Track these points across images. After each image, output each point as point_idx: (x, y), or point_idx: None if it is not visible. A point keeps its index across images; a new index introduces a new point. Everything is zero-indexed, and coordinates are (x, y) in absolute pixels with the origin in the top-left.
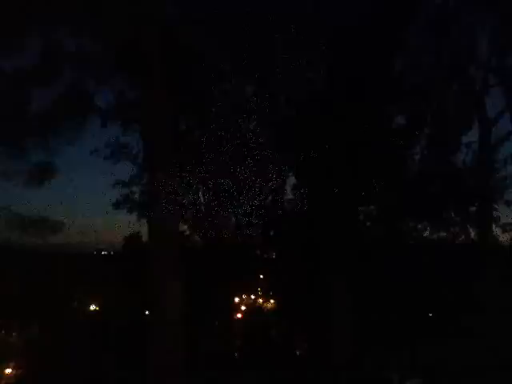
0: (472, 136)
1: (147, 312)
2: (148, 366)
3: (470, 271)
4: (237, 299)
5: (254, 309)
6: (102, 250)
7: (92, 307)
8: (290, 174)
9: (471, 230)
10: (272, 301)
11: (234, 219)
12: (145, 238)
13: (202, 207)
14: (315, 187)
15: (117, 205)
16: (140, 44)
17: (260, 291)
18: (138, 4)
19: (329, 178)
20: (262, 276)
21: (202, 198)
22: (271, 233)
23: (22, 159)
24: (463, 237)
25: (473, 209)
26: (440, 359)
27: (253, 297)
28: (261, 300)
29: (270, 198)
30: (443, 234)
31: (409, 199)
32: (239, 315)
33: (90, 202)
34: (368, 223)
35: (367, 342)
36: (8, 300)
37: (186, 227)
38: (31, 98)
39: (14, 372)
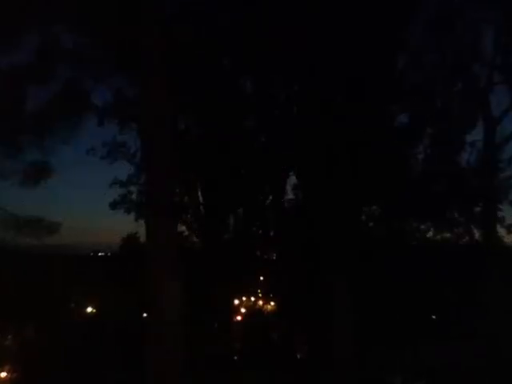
0: (476, 135)
1: (145, 314)
2: (147, 367)
3: (473, 272)
4: (236, 301)
5: (253, 311)
6: (99, 251)
7: (89, 309)
8: (291, 173)
9: (475, 231)
10: (272, 303)
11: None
12: (142, 238)
13: (201, 207)
14: (316, 187)
15: (114, 205)
16: (139, 43)
17: (260, 293)
18: (137, 3)
19: (331, 177)
20: (262, 277)
21: (200, 198)
22: (271, 233)
23: (18, 158)
24: (467, 237)
25: (477, 209)
26: (443, 361)
27: (253, 299)
28: (261, 302)
29: (270, 197)
30: (447, 234)
31: (412, 199)
32: (239, 317)
33: (86, 203)
34: (370, 223)
35: (368, 343)
36: (3, 302)
37: (184, 227)
38: (27, 97)
39: (9, 375)
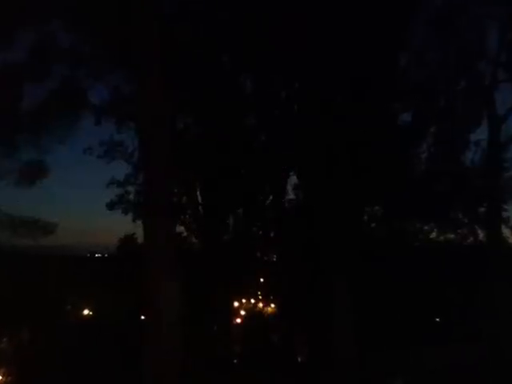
0: (481, 134)
1: (143, 316)
2: (145, 368)
3: (478, 273)
4: (236, 303)
5: (253, 313)
6: (96, 252)
7: (86, 311)
8: (291, 173)
9: (480, 232)
10: (272, 305)
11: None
12: (140, 239)
13: (200, 208)
14: (317, 187)
15: (111, 205)
16: (137, 42)
17: (260, 294)
18: (135, 2)
19: (332, 177)
20: (262, 279)
21: (199, 198)
22: (271, 234)
23: (14, 158)
24: (471, 238)
25: (481, 209)
26: (445, 363)
27: (252, 301)
28: (261, 304)
29: (270, 197)
30: (451, 235)
31: (415, 199)
32: (239, 320)
33: (83, 203)
34: (373, 224)
35: (369, 344)
36: None
37: (183, 228)
38: (23, 95)
39: (4, 379)
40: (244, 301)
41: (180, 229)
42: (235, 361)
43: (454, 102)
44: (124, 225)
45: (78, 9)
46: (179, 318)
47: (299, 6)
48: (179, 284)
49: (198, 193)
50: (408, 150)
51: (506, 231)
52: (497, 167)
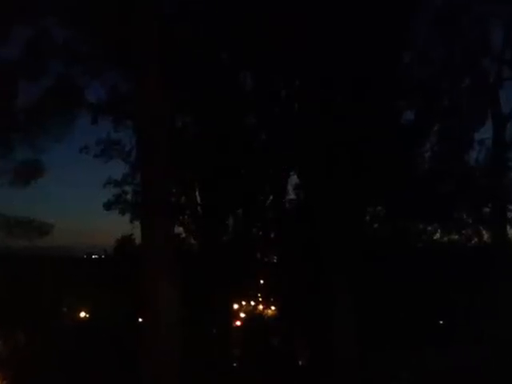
0: (485, 132)
1: (140, 318)
2: (143, 370)
3: (482, 275)
4: (236, 306)
5: (253, 316)
6: (93, 253)
7: (82, 313)
8: (292, 173)
9: (484, 232)
10: (273, 307)
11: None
12: (138, 240)
13: (199, 208)
14: (318, 187)
15: (108, 205)
16: (136, 42)
17: (260, 297)
18: (134, 1)
19: (333, 177)
20: (262, 281)
21: (198, 199)
22: (272, 234)
23: (9, 157)
24: (476, 239)
25: (486, 209)
26: (448, 364)
27: (252, 303)
28: (261, 306)
29: (270, 198)
30: (455, 236)
31: (418, 199)
32: (238, 322)
33: (80, 203)
34: (375, 224)
35: (371, 345)
36: None
37: (181, 229)
38: (18, 92)
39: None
40: (244, 303)
41: (179, 229)
42: (235, 364)
43: (458, 100)
44: (121, 225)
45: (76, 7)
46: (178, 319)
47: (300, 5)
48: (178, 285)
49: (197, 193)
50: (411, 148)
51: (511, 232)
52: (502, 166)
